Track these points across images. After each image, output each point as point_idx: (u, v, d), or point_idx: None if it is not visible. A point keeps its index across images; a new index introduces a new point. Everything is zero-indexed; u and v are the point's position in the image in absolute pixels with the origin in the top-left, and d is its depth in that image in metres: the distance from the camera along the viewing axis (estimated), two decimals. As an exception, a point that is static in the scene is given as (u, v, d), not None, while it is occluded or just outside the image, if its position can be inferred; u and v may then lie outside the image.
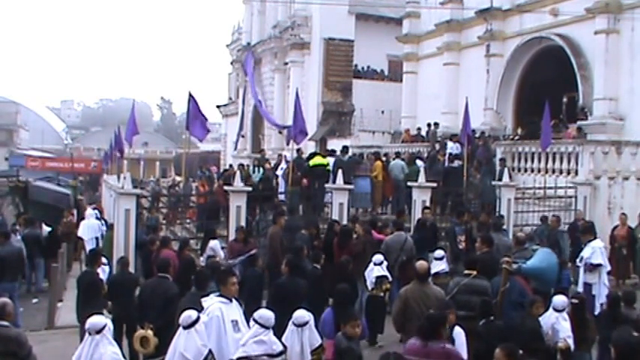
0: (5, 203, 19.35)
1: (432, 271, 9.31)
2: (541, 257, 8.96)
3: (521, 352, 5.74)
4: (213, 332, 6.07)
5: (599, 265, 10.56)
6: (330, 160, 17.17)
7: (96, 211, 17.45)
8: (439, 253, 9.91)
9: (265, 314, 5.66)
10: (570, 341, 6.88)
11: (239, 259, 10.39)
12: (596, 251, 10.52)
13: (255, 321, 5.61)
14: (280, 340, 5.72)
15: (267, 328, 5.56)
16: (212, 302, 6.37)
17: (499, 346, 5.50)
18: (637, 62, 16.88)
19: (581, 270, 10.77)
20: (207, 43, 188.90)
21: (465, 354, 6.33)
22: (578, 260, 10.92)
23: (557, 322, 6.99)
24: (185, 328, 5.57)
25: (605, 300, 9.81)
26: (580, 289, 10.35)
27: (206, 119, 15.33)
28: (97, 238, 14.82)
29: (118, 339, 8.12)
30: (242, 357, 5.47)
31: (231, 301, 6.49)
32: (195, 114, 15.02)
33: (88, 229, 15.27)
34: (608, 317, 7.51)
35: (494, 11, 21.39)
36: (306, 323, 5.91)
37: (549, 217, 13.15)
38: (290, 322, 5.95)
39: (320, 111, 30.83)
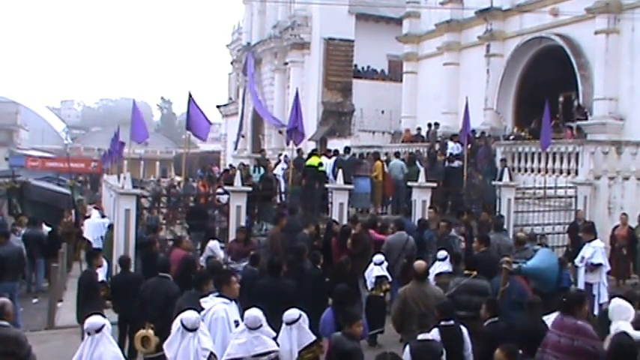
0: (5, 204, 19.34)
1: (435, 272, 9.31)
2: (541, 257, 8.97)
3: (520, 352, 5.75)
4: (219, 333, 6.04)
5: (600, 264, 10.57)
6: (327, 161, 17.18)
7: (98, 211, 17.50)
8: (442, 253, 9.89)
9: (251, 315, 5.63)
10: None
11: (242, 264, 10.29)
12: (597, 251, 10.52)
13: (244, 322, 5.62)
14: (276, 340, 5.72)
15: (252, 329, 5.54)
16: (215, 303, 6.35)
17: (499, 346, 5.51)
18: (637, 62, 16.87)
19: (582, 270, 10.77)
20: (207, 43, 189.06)
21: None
22: (578, 260, 10.93)
23: None
24: (190, 330, 5.53)
25: (605, 300, 9.83)
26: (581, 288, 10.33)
27: (208, 120, 15.05)
28: (102, 237, 14.82)
29: (122, 338, 8.18)
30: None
31: (231, 301, 6.49)
32: (196, 114, 14.74)
33: (94, 229, 15.32)
34: (606, 317, 7.48)
35: (494, 11, 21.38)
36: (294, 321, 5.87)
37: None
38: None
39: (320, 111, 30.83)
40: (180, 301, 6.80)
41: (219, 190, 16.40)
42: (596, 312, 9.63)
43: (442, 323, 6.63)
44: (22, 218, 15.95)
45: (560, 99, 19.56)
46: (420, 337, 6.33)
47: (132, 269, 9.81)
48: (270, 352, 5.53)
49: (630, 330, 6.09)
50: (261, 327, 5.59)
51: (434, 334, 6.51)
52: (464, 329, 6.68)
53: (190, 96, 14.49)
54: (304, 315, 6.01)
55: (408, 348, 6.26)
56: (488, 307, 6.97)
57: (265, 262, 10.03)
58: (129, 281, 8.71)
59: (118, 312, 8.66)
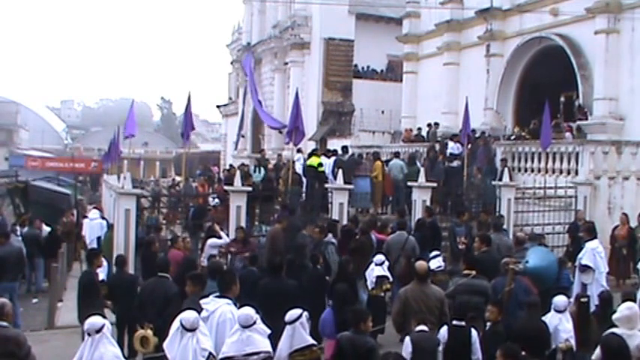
0: (5, 203, 19.36)
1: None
2: (540, 256, 8.95)
3: (523, 352, 5.74)
4: (227, 333, 6.02)
5: (588, 267, 10.51)
6: (327, 161, 17.18)
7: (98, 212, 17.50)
8: (433, 253, 9.93)
9: (243, 314, 5.61)
10: (572, 342, 6.86)
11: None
12: (587, 252, 10.47)
13: (237, 320, 5.62)
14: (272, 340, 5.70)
15: (245, 327, 5.51)
16: (220, 304, 6.32)
17: (499, 346, 5.51)
18: (637, 62, 16.85)
19: (576, 270, 10.77)
20: (207, 43, 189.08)
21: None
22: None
23: (560, 324, 6.97)
24: (189, 330, 5.51)
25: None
26: (577, 289, 10.32)
27: (192, 126, 16.28)
28: (98, 238, 14.82)
29: (121, 338, 8.16)
30: (221, 358, 5.50)
31: (231, 300, 6.49)
32: (189, 117, 15.90)
33: (92, 229, 15.33)
34: (598, 317, 7.49)
35: (494, 11, 21.36)
36: (292, 321, 5.84)
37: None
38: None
39: (320, 111, 30.80)
40: (184, 303, 6.78)
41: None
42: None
43: (454, 322, 6.62)
44: (25, 218, 15.96)
45: (562, 99, 19.55)
46: (418, 328, 6.42)
47: (131, 269, 9.81)
48: (260, 353, 5.47)
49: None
50: (253, 325, 5.54)
51: (442, 332, 6.49)
52: (474, 333, 6.56)
53: (189, 98, 14.81)
54: (305, 317, 5.95)
55: (408, 338, 6.29)
56: (497, 309, 6.94)
57: (264, 262, 10.07)
58: (125, 282, 8.75)
59: (115, 312, 8.65)
